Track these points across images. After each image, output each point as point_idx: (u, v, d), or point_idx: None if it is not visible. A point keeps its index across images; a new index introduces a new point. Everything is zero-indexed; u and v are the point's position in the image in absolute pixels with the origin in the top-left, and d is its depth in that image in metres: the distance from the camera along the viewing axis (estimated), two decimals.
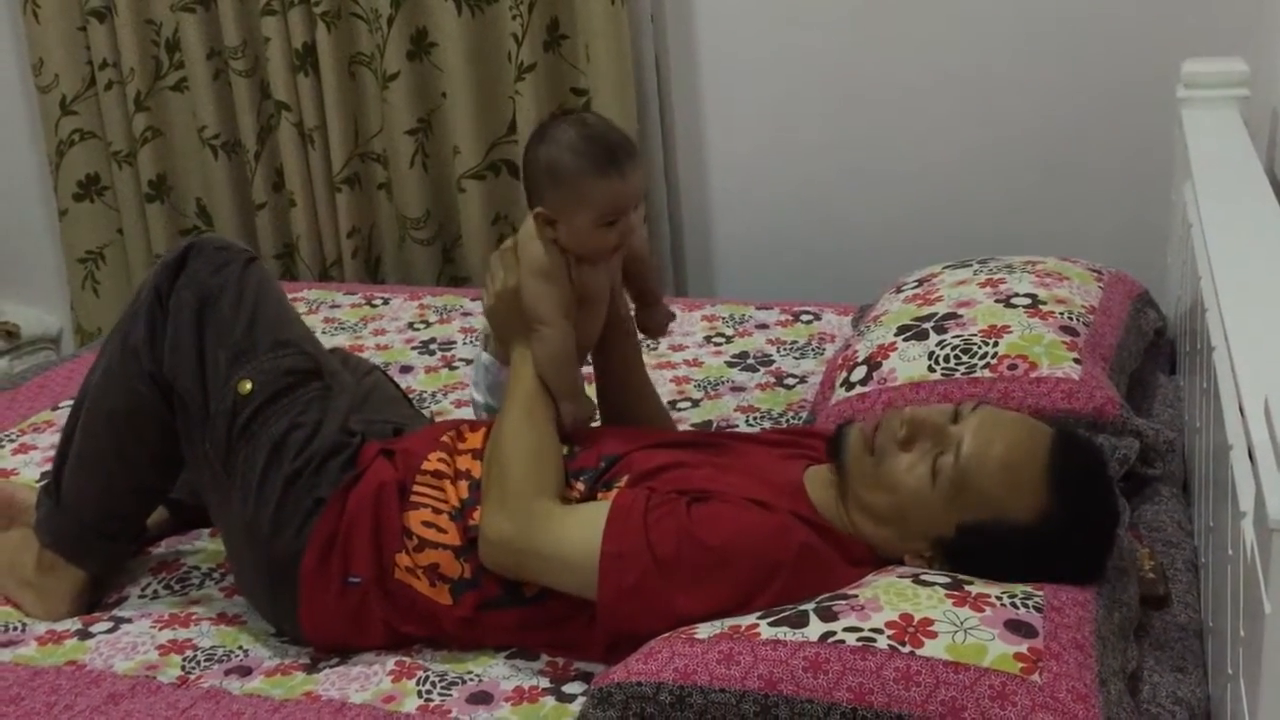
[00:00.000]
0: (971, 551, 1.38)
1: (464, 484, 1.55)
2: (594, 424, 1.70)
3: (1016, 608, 1.28)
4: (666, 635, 1.32)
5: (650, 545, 1.39)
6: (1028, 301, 1.96)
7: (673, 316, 1.73)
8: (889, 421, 1.45)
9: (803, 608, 1.31)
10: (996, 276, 2.06)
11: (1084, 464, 1.41)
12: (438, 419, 2.06)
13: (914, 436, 1.41)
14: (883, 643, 1.22)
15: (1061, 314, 1.93)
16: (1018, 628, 1.24)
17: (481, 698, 1.45)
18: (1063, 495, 1.36)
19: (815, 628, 1.26)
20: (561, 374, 1.56)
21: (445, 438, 1.62)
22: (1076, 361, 1.82)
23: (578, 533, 1.43)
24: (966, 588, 1.31)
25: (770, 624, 1.28)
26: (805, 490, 1.49)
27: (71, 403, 1.75)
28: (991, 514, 1.36)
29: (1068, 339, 1.87)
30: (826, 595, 1.33)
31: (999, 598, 1.29)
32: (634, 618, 1.39)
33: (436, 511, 1.54)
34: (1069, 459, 1.39)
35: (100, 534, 1.70)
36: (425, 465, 1.58)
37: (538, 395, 1.55)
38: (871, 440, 1.44)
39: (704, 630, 1.30)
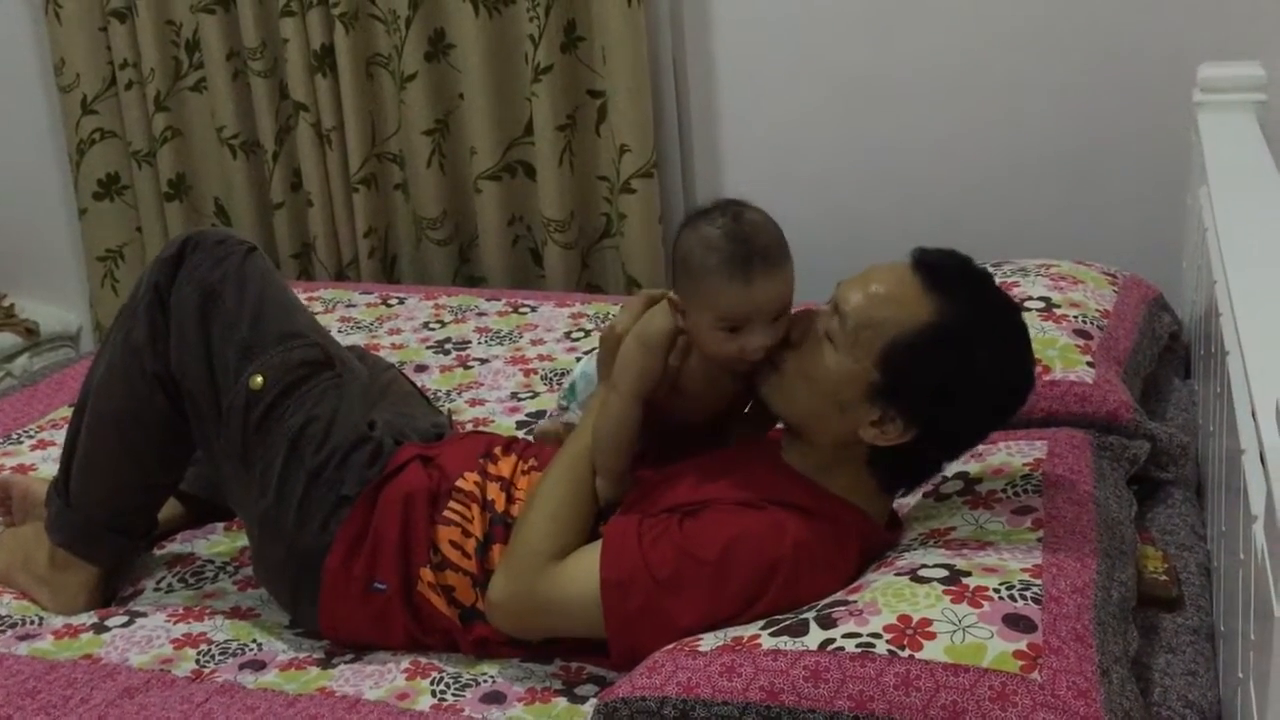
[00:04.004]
0: (900, 380, 1.37)
1: (488, 516, 1.55)
2: None
3: (1015, 600, 1.27)
4: (669, 648, 1.32)
5: (649, 568, 1.39)
6: (1041, 305, 1.96)
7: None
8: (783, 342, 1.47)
9: (803, 616, 1.31)
10: (1010, 279, 2.06)
11: (947, 261, 1.43)
12: (454, 418, 2.07)
13: (802, 330, 1.44)
14: (882, 648, 1.22)
15: (1075, 317, 1.93)
16: (1016, 622, 1.24)
17: (494, 697, 1.45)
18: (943, 289, 1.38)
19: (815, 636, 1.26)
20: (607, 450, 1.48)
21: (481, 459, 1.61)
22: (1090, 365, 1.82)
23: (577, 575, 1.43)
24: (964, 580, 1.30)
25: (771, 634, 1.29)
26: (786, 465, 1.48)
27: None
28: (894, 333, 1.37)
29: (1081, 342, 1.87)
30: (826, 601, 1.34)
31: (996, 590, 1.29)
32: (643, 641, 1.38)
33: (466, 534, 1.54)
34: (930, 263, 1.41)
35: (111, 530, 1.71)
36: (461, 484, 1.57)
37: (584, 458, 1.49)
38: (774, 363, 1.45)
39: (706, 642, 1.30)
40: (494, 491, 1.57)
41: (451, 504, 1.56)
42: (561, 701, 1.44)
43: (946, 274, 1.40)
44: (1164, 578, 1.53)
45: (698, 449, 1.55)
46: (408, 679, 1.50)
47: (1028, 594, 1.29)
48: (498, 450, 1.63)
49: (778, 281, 1.40)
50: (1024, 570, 1.33)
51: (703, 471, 1.49)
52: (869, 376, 1.38)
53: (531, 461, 1.62)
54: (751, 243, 1.39)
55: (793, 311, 1.45)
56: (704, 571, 1.38)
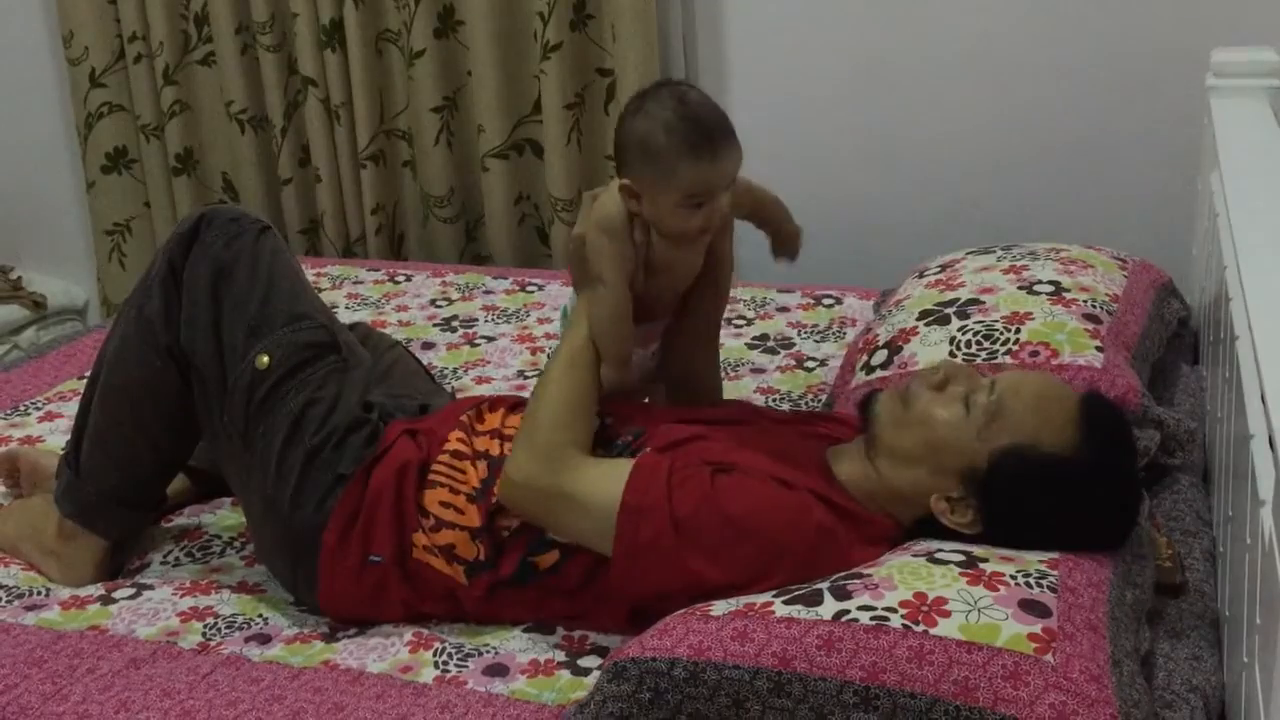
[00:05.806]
0: (1002, 484, 1.37)
1: (483, 464, 1.55)
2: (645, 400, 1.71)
3: (1031, 587, 1.28)
4: (682, 612, 1.32)
5: (670, 504, 1.40)
6: (1051, 289, 1.95)
7: (795, 251, 1.64)
8: (922, 373, 1.49)
9: (817, 586, 1.31)
10: (1020, 263, 2.05)
11: (1114, 415, 1.44)
12: (459, 395, 2.07)
13: (948, 380, 1.45)
14: (896, 621, 1.23)
15: (1085, 301, 1.92)
16: (1032, 607, 1.25)
17: (497, 669, 1.46)
18: (1093, 435, 1.38)
19: (829, 606, 1.26)
20: (609, 336, 1.51)
21: (464, 417, 1.62)
22: (1099, 349, 1.81)
23: (601, 481, 1.44)
24: (981, 565, 1.31)
25: (785, 602, 1.29)
26: (829, 467, 1.49)
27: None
28: (1025, 441, 1.37)
29: (1090, 327, 1.86)
30: (841, 574, 1.34)
31: (1013, 577, 1.29)
32: (646, 574, 1.40)
33: (454, 491, 1.54)
34: (1099, 405, 1.43)
35: (120, 503, 1.72)
36: (447, 445, 1.58)
37: (585, 349, 1.52)
38: (904, 390, 1.48)
39: (719, 607, 1.31)
40: (485, 443, 1.58)
41: (436, 466, 1.57)
42: (565, 674, 1.45)
43: (1105, 423, 1.41)
44: (1168, 564, 1.53)
45: (694, 383, 1.64)
46: (411, 652, 1.50)
47: (1044, 583, 1.29)
48: (484, 407, 1.65)
49: (736, 150, 1.48)
50: (1041, 562, 1.33)
51: (740, 439, 1.51)
52: (976, 460, 1.39)
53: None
54: (706, 120, 1.46)
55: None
56: (724, 526, 1.39)
